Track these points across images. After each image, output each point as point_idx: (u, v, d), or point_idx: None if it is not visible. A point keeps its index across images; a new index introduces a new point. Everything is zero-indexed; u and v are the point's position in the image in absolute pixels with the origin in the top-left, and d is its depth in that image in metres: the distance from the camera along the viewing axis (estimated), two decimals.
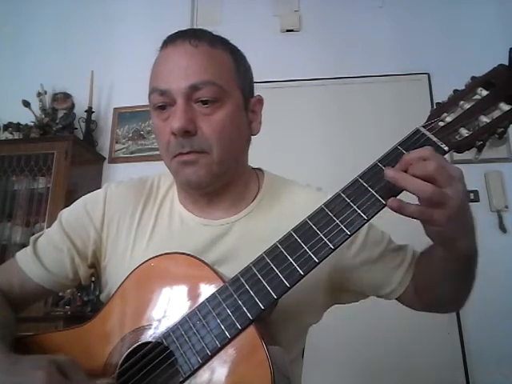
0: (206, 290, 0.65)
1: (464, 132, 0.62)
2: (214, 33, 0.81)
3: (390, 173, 0.59)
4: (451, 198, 0.57)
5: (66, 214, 0.88)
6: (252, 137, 0.86)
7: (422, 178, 0.57)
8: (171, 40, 0.78)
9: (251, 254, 0.65)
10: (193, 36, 0.77)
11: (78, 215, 0.86)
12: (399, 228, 0.95)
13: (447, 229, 0.60)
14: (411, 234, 0.83)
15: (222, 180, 0.80)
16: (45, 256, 0.84)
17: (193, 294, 0.66)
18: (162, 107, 0.76)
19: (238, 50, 0.83)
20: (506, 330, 2.21)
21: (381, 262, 0.81)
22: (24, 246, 0.89)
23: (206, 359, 0.61)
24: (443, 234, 0.61)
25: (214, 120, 0.75)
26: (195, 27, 0.88)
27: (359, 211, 0.61)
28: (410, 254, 0.83)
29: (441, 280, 0.75)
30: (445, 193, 0.57)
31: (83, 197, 0.89)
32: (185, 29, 0.81)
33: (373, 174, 0.62)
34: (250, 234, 0.80)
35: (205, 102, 0.74)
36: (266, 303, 0.61)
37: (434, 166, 0.57)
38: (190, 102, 0.74)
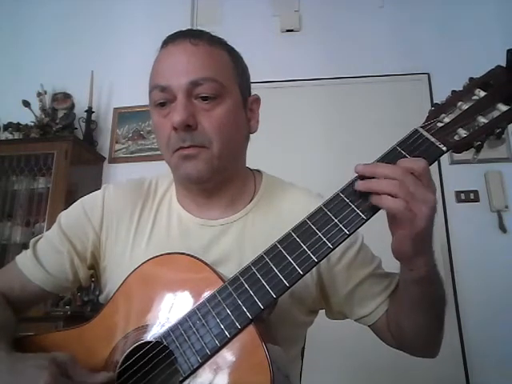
0: (206, 290, 0.65)
1: (462, 132, 0.62)
2: (214, 33, 0.83)
3: (359, 167, 0.62)
4: (422, 199, 0.58)
5: (64, 216, 0.88)
6: (251, 136, 0.87)
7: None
8: (171, 39, 0.79)
9: (249, 253, 0.65)
10: (193, 35, 0.78)
11: (76, 217, 0.86)
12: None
13: (416, 237, 0.60)
14: None
15: (222, 175, 0.80)
16: (45, 258, 0.84)
17: (192, 294, 0.66)
18: (163, 104, 0.77)
19: (236, 51, 0.84)
20: (506, 329, 2.21)
21: (363, 285, 0.81)
22: (24, 245, 0.89)
23: (206, 358, 0.61)
24: (411, 244, 0.61)
25: (213, 115, 0.76)
26: (195, 27, 0.89)
27: (358, 211, 0.61)
28: (395, 284, 0.80)
29: (407, 309, 0.74)
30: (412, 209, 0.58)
31: (81, 198, 0.89)
32: (184, 29, 0.82)
33: None
34: (248, 233, 0.81)
35: (205, 98, 0.75)
36: (265, 302, 0.61)
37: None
38: (191, 98, 0.75)
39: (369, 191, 0.60)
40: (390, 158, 0.63)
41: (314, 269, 0.66)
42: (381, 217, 0.63)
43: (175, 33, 0.80)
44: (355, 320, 0.83)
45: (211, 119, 0.75)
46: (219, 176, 0.79)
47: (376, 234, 0.90)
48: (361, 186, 0.61)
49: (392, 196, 0.58)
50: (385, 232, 0.65)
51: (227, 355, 0.61)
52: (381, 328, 0.82)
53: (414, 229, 0.59)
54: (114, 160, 2.81)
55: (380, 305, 0.80)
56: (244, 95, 0.82)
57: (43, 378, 0.58)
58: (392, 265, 0.75)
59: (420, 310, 0.72)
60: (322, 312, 0.89)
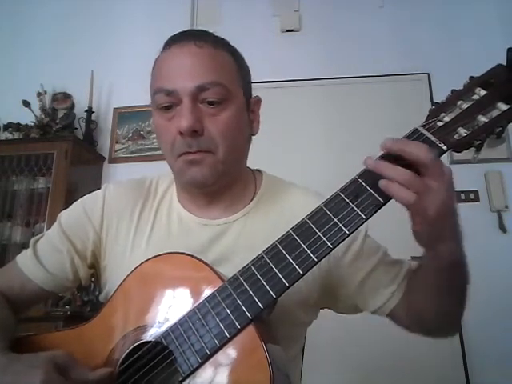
0: (206, 290, 0.65)
1: (462, 131, 0.62)
2: (214, 33, 0.82)
3: (369, 161, 0.61)
4: (435, 190, 0.58)
5: (65, 215, 0.88)
6: (252, 137, 0.86)
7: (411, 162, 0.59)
8: (175, 40, 0.78)
9: (249, 253, 0.65)
10: (197, 37, 0.77)
11: (76, 216, 0.86)
12: (397, 238, 0.94)
13: (430, 225, 0.61)
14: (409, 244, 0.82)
15: (225, 179, 0.80)
16: (45, 258, 0.84)
17: (192, 294, 0.66)
18: (168, 107, 0.76)
19: (238, 52, 0.84)
20: (506, 330, 2.20)
21: (373, 274, 0.80)
22: (24, 245, 0.89)
23: (205, 358, 0.61)
24: (427, 231, 0.62)
25: (219, 120, 0.75)
26: (195, 27, 0.88)
27: (358, 210, 0.61)
28: (405, 270, 0.80)
29: (428, 295, 0.73)
30: (426, 183, 0.58)
31: (82, 198, 0.89)
32: (187, 29, 0.81)
33: (371, 173, 0.62)
34: (248, 233, 0.81)
35: (211, 103, 0.75)
36: (265, 302, 0.61)
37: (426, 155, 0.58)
38: (197, 102, 0.75)
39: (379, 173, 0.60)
40: (389, 157, 0.62)
41: (318, 265, 0.65)
42: (386, 212, 0.63)
43: (178, 33, 0.80)
44: (371, 312, 0.83)
45: (217, 124, 0.75)
46: (223, 180, 0.79)
47: (380, 228, 0.91)
48: (371, 165, 0.61)
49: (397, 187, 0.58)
50: (388, 226, 0.64)
51: (227, 355, 0.61)
52: (398, 315, 0.81)
53: (425, 219, 0.60)
54: (114, 160, 2.82)
55: (394, 293, 0.79)
56: (247, 97, 0.82)
57: (38, 376, 0.58)
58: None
59: (441, 296, 0.72)
60: (321, 313, 0.89)
